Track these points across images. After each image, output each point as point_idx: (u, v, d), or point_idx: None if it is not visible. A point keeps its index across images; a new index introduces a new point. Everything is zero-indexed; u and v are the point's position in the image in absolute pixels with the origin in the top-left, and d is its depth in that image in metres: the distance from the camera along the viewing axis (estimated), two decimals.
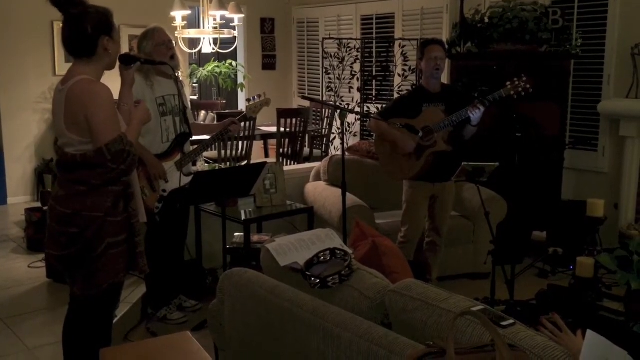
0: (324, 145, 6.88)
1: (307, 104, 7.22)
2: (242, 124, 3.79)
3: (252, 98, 3.74)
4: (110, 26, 2.39)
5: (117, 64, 2.54)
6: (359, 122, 6.96)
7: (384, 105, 4.47)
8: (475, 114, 3.57)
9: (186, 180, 3.52)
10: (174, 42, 3.65)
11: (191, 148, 3.69)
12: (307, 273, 2.18)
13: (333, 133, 6.88)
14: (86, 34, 2.31)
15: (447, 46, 5.11)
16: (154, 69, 3.49)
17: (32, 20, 6.59)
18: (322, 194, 4.49)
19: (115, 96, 2.46)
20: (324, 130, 6.92)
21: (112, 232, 2.34)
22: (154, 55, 3.45)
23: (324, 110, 7.04)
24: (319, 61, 7.57)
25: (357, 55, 6.48)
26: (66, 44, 2.36)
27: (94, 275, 2.35)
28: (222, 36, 6.15)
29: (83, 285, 2.40)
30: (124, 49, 7.49)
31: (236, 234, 4.24)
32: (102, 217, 2.31)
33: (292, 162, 6.29)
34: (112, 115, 2.32)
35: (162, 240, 3.65)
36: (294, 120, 6.24)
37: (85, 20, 2.31)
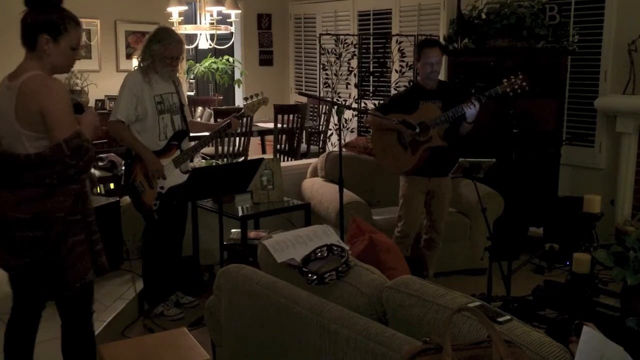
0: (321, 142, 6.87)
1: (304, 100, 7.21)
2: (240, 121, 3.78)
3: (249, 97, 3.73)
4: (59, 30, 2.26)
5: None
6: (356, 118, 6.95)
7: (381, 102, 4.47)
8: (471, 110, 3.58)
9: (184, 177, 3.51)
10: (184, 57, 3.59)
11: (190, 144, 3.69)
12: (304, 269, 2.18)
13: (330, 129, 6.87)
14: (25, 23, 2.26)
15: (444, 43, 5.13)
16: (152, 67, 3.47)
17: None
18: (319, 190, 4.50)
19: None
20: (321, 127, 6.91)
21: (74, 231, 2.32)
22: (157, 61, 3.44)
23: (321, 106, 7.03)
24: (316, 57, 7.56)
25: (354, 51, 6.46)
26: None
27: (64, 277, 2.33)
28: (218, 32, 6.14)
29: (56, 289, 2.38)
30: (121, 44, 7.48)
31: (233, 230, 4.24)
32: (64, 217, 2.27)
33: (289, 159, 6.29)
34: (69, 110, 2.26)
35: (160, 237, 3.65)
36: (291, 116, 6.23)
37: (33, 10, 2.26)
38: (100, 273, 2.46)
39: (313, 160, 5.04)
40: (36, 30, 2.25)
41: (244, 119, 5.83)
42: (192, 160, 3.78)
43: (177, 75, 3.66)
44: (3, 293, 4.11)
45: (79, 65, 7.33)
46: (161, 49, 3.41)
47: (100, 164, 5.13)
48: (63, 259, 2.30)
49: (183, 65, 7.82)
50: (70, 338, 2.48)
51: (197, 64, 8.32)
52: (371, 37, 7.01)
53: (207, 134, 3.76)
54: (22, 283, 2.42)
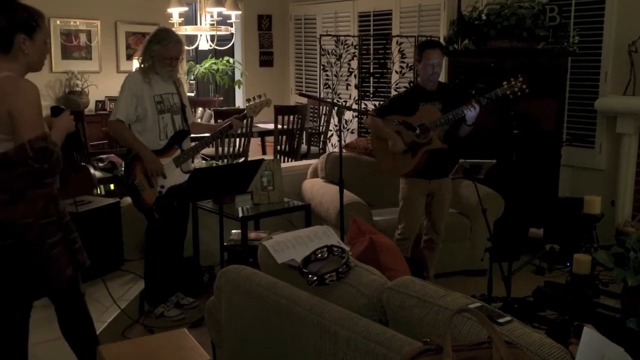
0: (321, 142, 6.88)
1: (304, 101, 7.21)
2: (242, 122, 3.79)
3: (252, 98, 3.74)
4: (32, 26, 2.26)
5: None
6: (356, 119, 6.95)
7: (381, 103, 4.47)
8: (471, 112, 3.58)
9: (185, 176, 3.52)
10: (183, 57, 3.59)
11: (191, 145, 3.69)
12: (304, 270, 2.18)
13: (330, 130, 6.87)
14: None
15: (444, 43, 5.13)
16: (153, 68, 3.48)
17: None
18: (320, 191, 4.50)
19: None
20: (321, 127, 6.91)
21: (49, 233, 2.33)
22: (157, 61, 3.45)
23: (321, 107, 7.03)
24: (316, 58, 7.57)
25: (354, 52, 6.47)
26: None
27: (45, 277, 2.37)
28: (219, 33, 6.14)
29: (41, 288, 2.44)
30: (121, 45, 7.49)
31: (233, 231, 4.24)
32: (37, 221, 2.26)
33: (290, 159, 6.29)
34: (38, 112, 2.22)
35: (161, 237, 3.66)
36: (291, 117, 6.23)
37: (2, 13, 2.22)
38: (80, 269, 2.49)
39: (313, 161, 5.04)
40: (11, 32, 2.23)
41: (246, 120, 5.84)
42: (193, 161, 3.79)
43: (178, 76, 3.67)
44: None
45: (79, 66, 7.38)
46: (161, 49, 3.43)
47: (100, 164, 5.13)
48: (43, 260, 2.33)
49: (184, 66, 7.82)
50: (67, 321, 2.58)
51: (198, 65, 8.32)
52: (371, 38, 7.01)
53: (208, 134, 3.77)
54: (6, 287, 2.43)
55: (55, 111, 2.50)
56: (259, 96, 3.74)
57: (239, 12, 6.45)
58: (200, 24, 6.16)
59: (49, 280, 2.40)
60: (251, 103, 3.73)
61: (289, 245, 2.36)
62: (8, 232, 2.25)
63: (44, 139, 2.19)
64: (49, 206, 2.32)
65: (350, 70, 6.47)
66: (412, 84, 5.73)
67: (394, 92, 6.28)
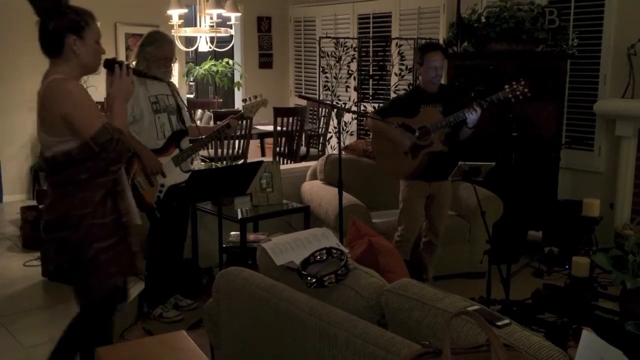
0: (320, 144, 6.88)
1: (303, 102, 7.21)
2: (239, 122, 3.80)
3: (248, 98, 3.76)
4: (81, 26, 2.26)
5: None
6: (355, 121, 6.96)
7: (382, 105, 4.47)
8: (472, 115, 3.58)
9: (185, 176, 3.53)
10: (176, 59, 3.64)
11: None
12: (303, 272, 2.18)
13: (330, 132, 6.88)
14: (48, 31, 2.24)
15: (444, 46, 5.13)
16: (148, 70, 3.49)
17: (27, 18, 6.54)
18: (319, 193, 4.49)
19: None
20: (320, 129, 6.92)
21: (101, 237, 2.28)
22: (152, 63, 3.48)
23: (320, 109, 7.04)
24: (315, 60, 7.57)
25: (354, 55, 6.48)
26: (39, 41, 2.29)
27: (86, 282, 2.32)
28: (218, 34, 6.14)
29: (79, 293, 2.37)
30: (121, 46, 7.48)
31: (232, 232, 4.24)
32: (92, 215, 2.25)
33: (289, 161, 6.29)
34: (89, 108, 2.24)
35: (161, 238, 3.66)
36: (290, 119, 6.24)
37: (51, 16, 2.24)
38: (136, 275, 2.49)
39: (312, 163, 5.03)
40: (61, 34, 2.24)
41: (244, 122, 5.85)
42: (192, 162, 3.80)
43: (172, 78, 3.71)
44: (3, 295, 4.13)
45: None
46: (154, 50, 3.48)
47: None
48: (86, 265, 2.28)
49: (180, 71, 7.82)
50: (78, 329, 2.47)
51: (197, 67, 8.33)
52: (371, 40, 7.01)
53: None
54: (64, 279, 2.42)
55: (109, 64, 2.41)
56: (255, 96, 3.78)
57: (239, 14, 6.45)
58: (200, 26, 6.16)
59: (84, 286, 2.34)
60: (247, 103, 3.76)
61: (287, 247, 2.36)
62: (63, 224, 2.25)
63: (105, 131, 2.21)
64: (107, 202, 2.30)
65: (350, 72, 6.48)
66: (413, 86, 5.73)
67: (393, 95, 6.28)
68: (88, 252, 2.27)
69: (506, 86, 3.66)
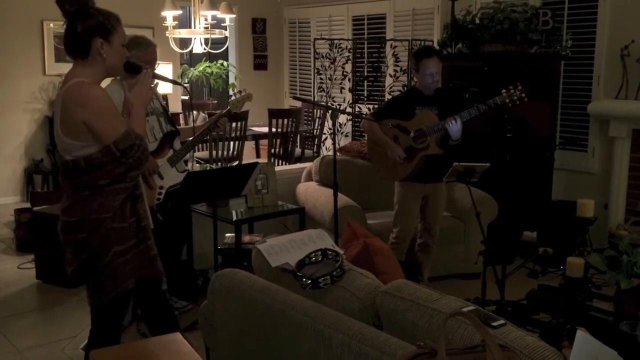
0: (315, 146, 6.88)
1: (298, 104, 7.22)
2: (234, 124, 3.84)
3: (234, 94, 3.84)
4: (108, 29, 2.25)
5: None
6: (350, 122, 6.96)
7: (377, 106, 4.47)
8: (453, 126, 3.56)
9: (181, 176, 3.54)
10: (158, 63, 3.69)
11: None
12: (298, 274, 2.18)
13: (324, 133, 6.88)
14: (76, 33, 2.23)
15: (438, 47, 5.14)
16: (129, 75, 3.51)
17: (22, 19, 6.55)
18: (314, 194, 4.49)
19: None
20: (315, 131, 6.92)
21: (119, 240, 2.28)
22: None
23: (315, 110, 7.04)
24: (310, 61, 7.57)
25: (348, 56, 6.48)
26: (64, 43, 2.29)
27: (101, 285, 2.31)
28: (213, 36, 6.13)
29: (92, 295, 2.36)
30: None
31: (227, 234, 4.23)
32: (110, 219, 2.25)
33: (284, 163, 6.29)
34: (112, 113, 2.23)
35: (162, 241, 3.66)
36: (285, 120, 6.23)
37: (78, 19, 2.22)
38: (160, 275, 2.47)
39: (307, 165, 5.03)
40: (89, 36, 2.23)
41: (239, 123, 5.85)
42: (187, 163, 3.80)
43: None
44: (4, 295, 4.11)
45: None
46: (139, 53, 3.48)
47: None
48: (104, 268, 2.27)
49: (175, 72, 7.81)
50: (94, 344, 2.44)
51: (192, 68, 8.32)
52: (365, 42, 7.02)
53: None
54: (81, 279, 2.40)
55: (130, 67, 2.43)
56: (240, 92, 3.86)
57: (233, 16, 6.45)
58: (195, 27, 6.15)
59: (98, 290, 2.32)
60: (232, 99, 3.84)
61: (283, 249, 2.36)
62: (82, 227, 2.24)
63: (127, 137, 2.21)
64: (126, 206, 2.29)
65: (345, 73, 6.49)
66: (409, 87, 5.73)
67: (387, 96, 6.29)
68: (106, 256, 2.26)
69: (503, 90, 3.64)
